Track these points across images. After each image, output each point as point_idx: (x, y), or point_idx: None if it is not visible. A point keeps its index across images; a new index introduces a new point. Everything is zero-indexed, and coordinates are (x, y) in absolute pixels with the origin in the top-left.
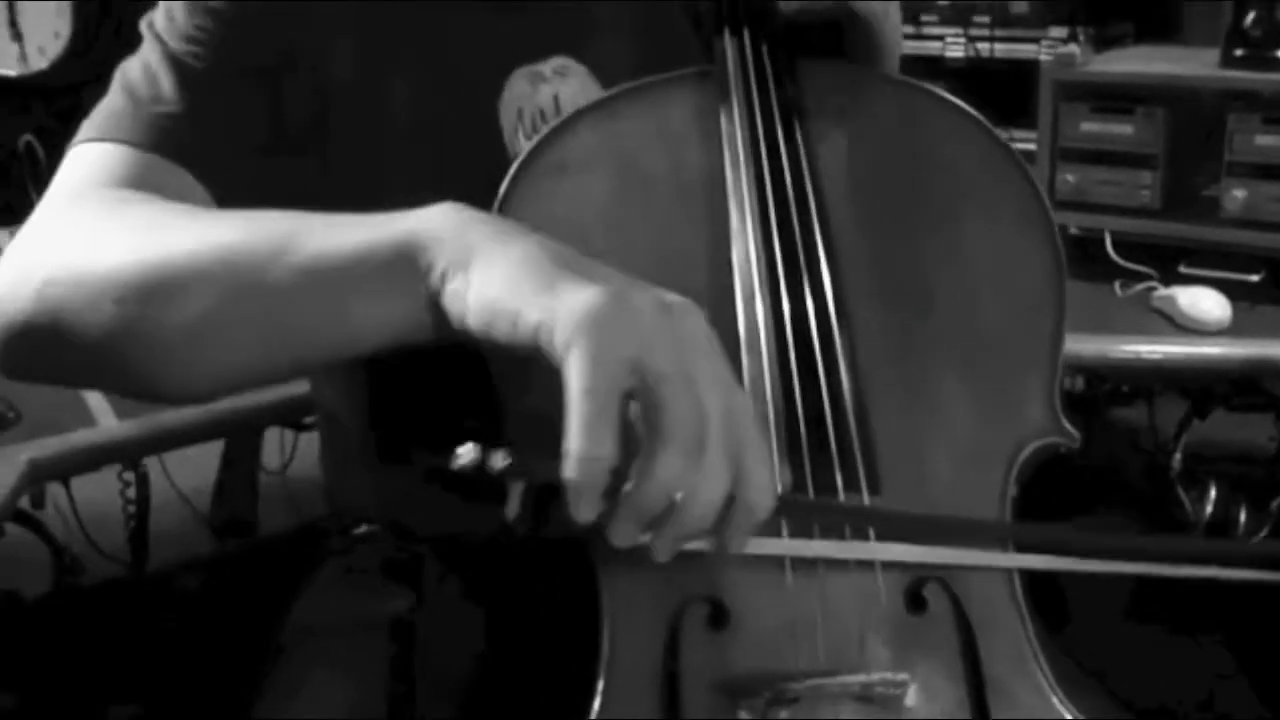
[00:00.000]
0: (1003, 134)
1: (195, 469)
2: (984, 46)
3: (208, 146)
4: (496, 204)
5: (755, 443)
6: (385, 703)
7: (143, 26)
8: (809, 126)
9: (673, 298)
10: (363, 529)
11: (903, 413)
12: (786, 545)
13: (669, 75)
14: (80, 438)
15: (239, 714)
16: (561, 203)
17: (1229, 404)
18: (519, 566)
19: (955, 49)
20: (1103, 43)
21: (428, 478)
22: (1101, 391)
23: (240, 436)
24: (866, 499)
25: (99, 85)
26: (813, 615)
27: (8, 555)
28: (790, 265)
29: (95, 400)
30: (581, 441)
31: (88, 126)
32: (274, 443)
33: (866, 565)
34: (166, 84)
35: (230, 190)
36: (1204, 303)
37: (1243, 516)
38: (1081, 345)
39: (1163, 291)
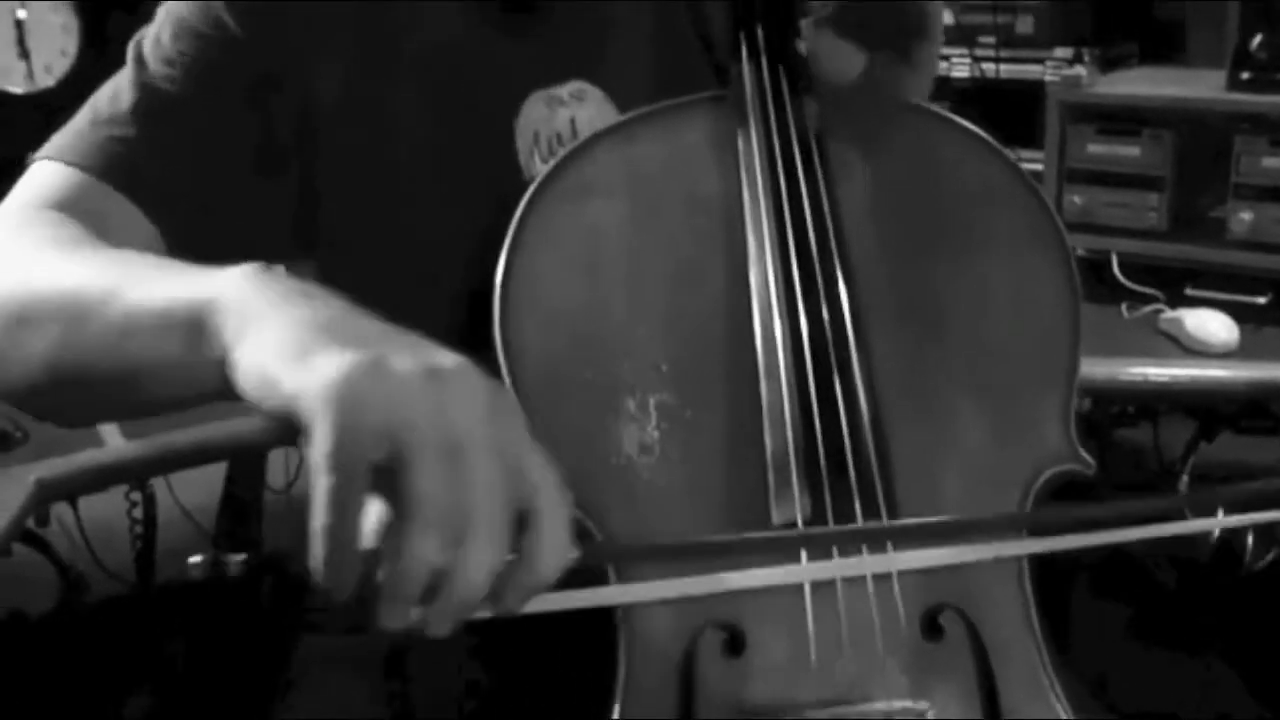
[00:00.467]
0: (1009, 155)
1: (200, 486)
2: (989, 67)
3: (156, 175)
4: (512, 228)
5: (546, 503)
6: None
7: (130, 45)
8: (827, 151)
9: (445, 361)
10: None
11: (921, 440)
12: (792, 572)
13: (685, 99)
14: (88, 458)
15: None
16: (578, 227)
17: (1236, 426)
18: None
19: (960, 69)
20: (1107, 63)
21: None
22: (1108, 413)
23: (245, 456)
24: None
25: None
26: (831, 642)
27: (13, 574)
28: (808, 291)
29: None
30: (320, 518)
31: (49, 142)
32: (279, 461)
33: (885, 591)
34: (127, 108)
35: (178, 220)
36: (1211, 325)
37: (1250, 540)
38: (1089, 368)
39: (1170, 314)
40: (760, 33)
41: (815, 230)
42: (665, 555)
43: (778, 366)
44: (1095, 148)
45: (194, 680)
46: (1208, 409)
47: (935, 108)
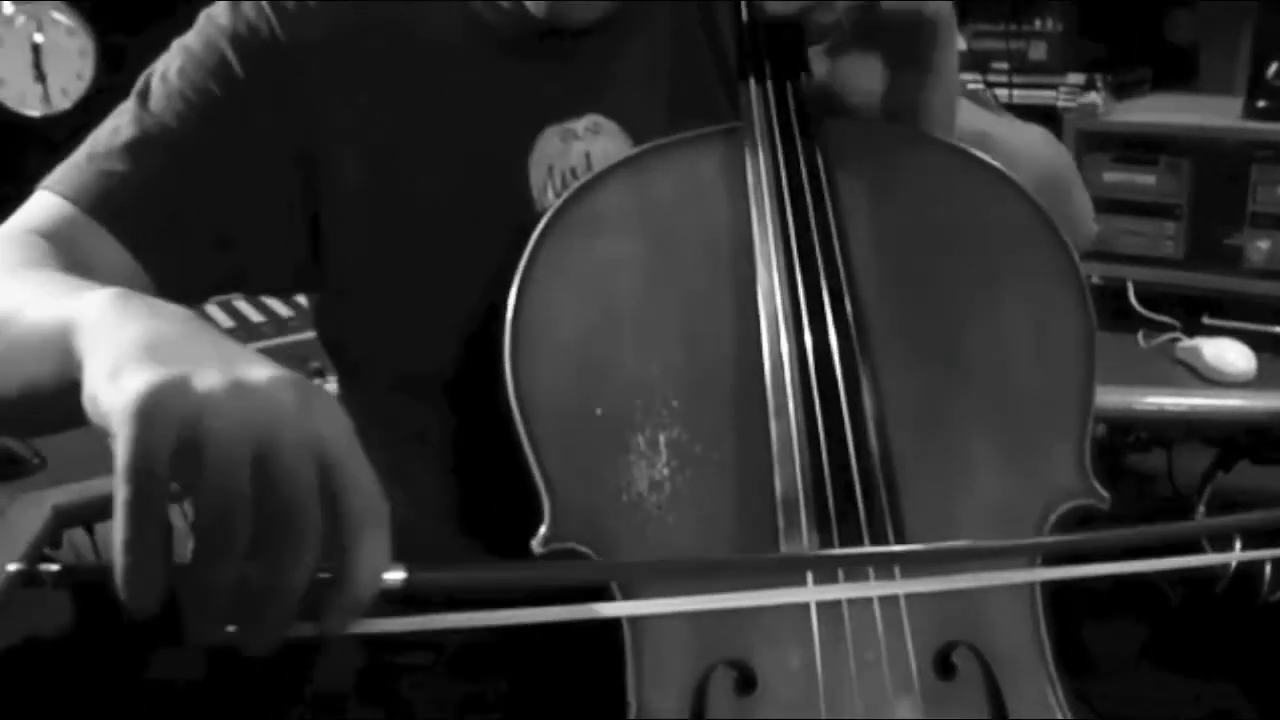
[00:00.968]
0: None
1: None
2: (1002, 93)
3: (142, 212)
4: (523, 262)
5: (360, 517)
6: None
7: (140, 79)
8: (837, 179)
9: (256, 375)
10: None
11: (931, 475)
12: (798, 592)
13: (698, 132)
14: (105, 484)
15: None
16: (588, 261)
17: (1255, 456)
18: (544, 634)
19: None
20: (1121, 89)
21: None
22: (1124, 441)
23: None
24: (898, 572)
25: None
26: (842, 680)
27: (26, 598)
28: (816, 325)
29: None
30: (119, 532)
31: (52, 172)
32: None
33: (894, 623)
34: (122, 144)
35: (162, 257)
36: (1228, 354)
37: (1268, 570)
38: (1105, 397)
39: (1187, 343)
40: (768, 62)
41: (824, 263)
42: (668, 573)
43: (786, 404)
44: (1111, 176)
45: (210, 704)
46: (1225, 438)
47: (948, 139)
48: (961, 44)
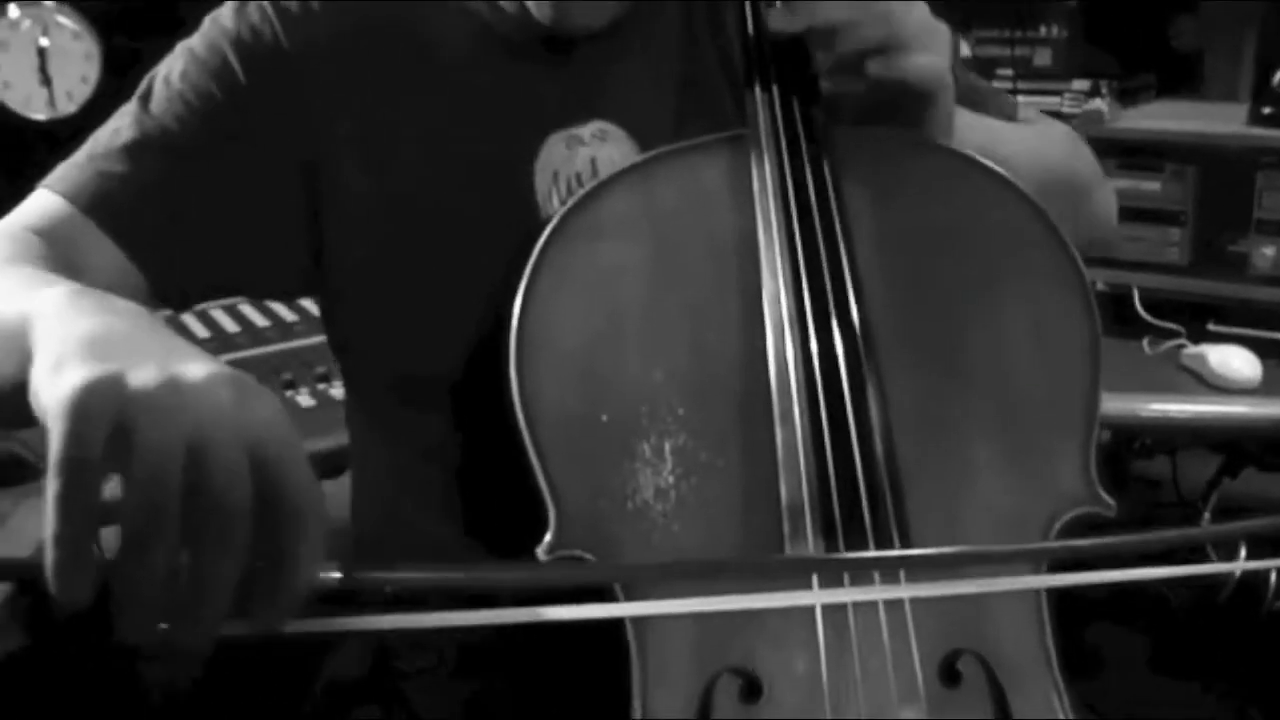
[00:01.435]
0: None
1: None
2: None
3: (136, 213)
4: (528, 269)
5: (295, 511)
6: None
7: (144, 81)
8: (842, 185)
9: (192, 371)
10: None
11: (935, 481)
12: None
13: (704, 139)
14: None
15: None
16: (594, 266)
17: (1261, 463)
18: (549, 639)
19: None
20: (1125, 94)
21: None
22: (1128, 448)
23: None
24: (903, 577)
25: None
26: (847, 687)
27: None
28: (822, 333)
29: None
30: (49, 525)
31: (53, 170)
32: None
33: (900, 629)
34: (121, 145)
35: (156, 257)
36: (1234, 361)
37: (1273, 577)
38: (1111, 404)
39: (1192, 350)
40: (774, 71)
41: (830, 270)
42: (673, 574)
43: (791, 411)
44: (1117, 182)
45: (211, 712)
46: (1231, 444)
47: (955, 146)
48: (966, 50)
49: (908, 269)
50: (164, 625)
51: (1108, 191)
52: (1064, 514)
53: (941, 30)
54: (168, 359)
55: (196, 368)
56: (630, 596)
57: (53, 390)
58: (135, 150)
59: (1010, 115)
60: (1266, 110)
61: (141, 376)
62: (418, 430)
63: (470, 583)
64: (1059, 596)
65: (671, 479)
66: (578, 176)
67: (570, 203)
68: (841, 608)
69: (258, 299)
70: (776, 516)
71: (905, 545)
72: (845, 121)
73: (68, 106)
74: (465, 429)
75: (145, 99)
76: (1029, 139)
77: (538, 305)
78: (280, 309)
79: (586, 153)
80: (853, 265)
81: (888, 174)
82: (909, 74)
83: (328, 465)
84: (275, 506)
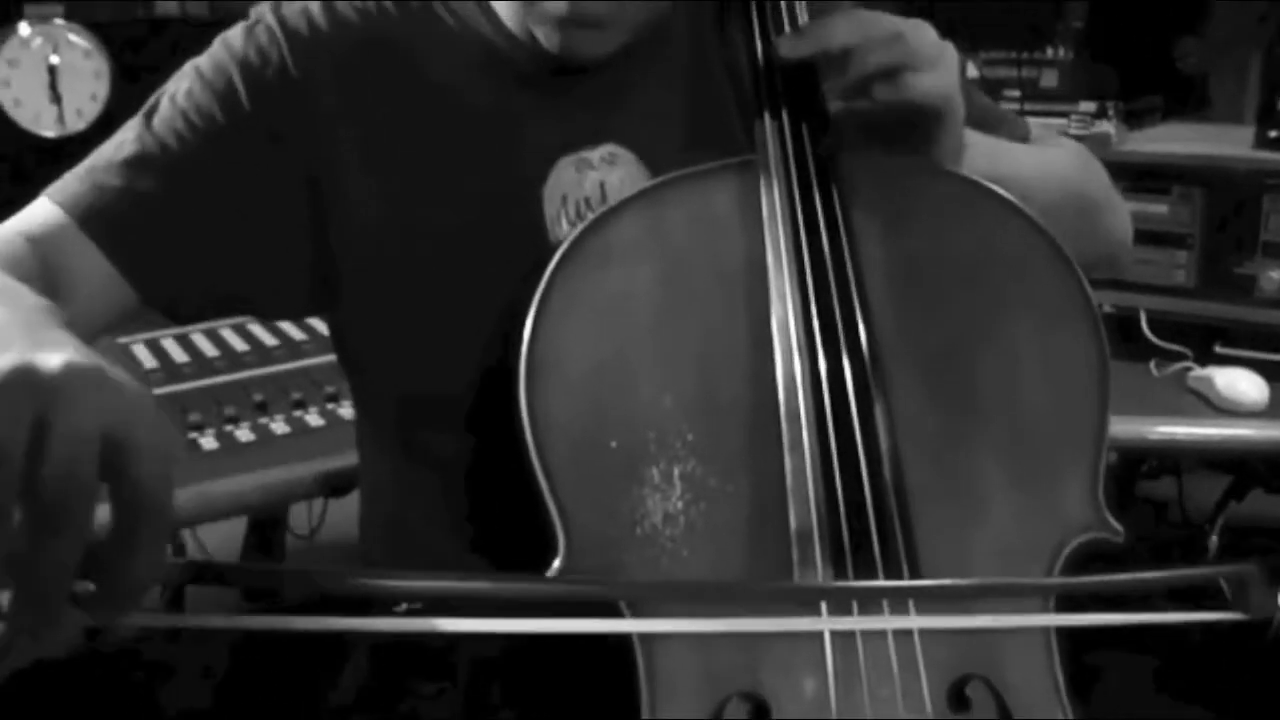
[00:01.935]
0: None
1: (223, 531)
2: None
3: (129, 227)
4: (539, 292)
5: (134, 508)
6: None
7: (153, 96)
8: (851, 212)
9: (47, 360)
10: (402, 607)
11: (944, 508)
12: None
13: (713, 165)
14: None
15: None
16: (604, 292)
17: (1268, 486)
18: (559, 661)
19: None
20: (1132, 116)
21: None
22: (1134, 469)
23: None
24: (912, 606)
25: None
26: (856, 713)
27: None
28: (831, 356)
29: None
30: None
31: (57, 180)
32: (302, 508)
33: (908, 657)
34: (122, 159)
35: (147, 272)
36: (1241, 384)
37: None
38: (1118, 426)
39: (1199, 372)
40: (783, 98)
41: (839, 296)
42: (680, 595)
43: (801, 438)
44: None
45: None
46: (1238, 466)
47: (963, 172)
48: (973, 71)
49: (916, 295)
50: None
51: (1121, 210)
52: (1072, 540)
53: (950, 52)
54: (29, 349)
55: (56, 356)
56: (638, 617)
57: None
58: (134, 165)
59: (1023, 137)
60: (1273, 134)
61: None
62: (426, 450)
63: (478, 592)
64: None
65: (680, 504)
66: (587, 200)
67: (580, 228)
68: (850, 634)
69: (253, 317)
70: (785, 543)
71: (914, 572)
72: (855, 145)
73: (77, 124)
74: (474, 451)
75: (150, 115)
76: (1039, 158)
77: (547, 330)
78: (289, 328)
79: (596, 176)
80: (861, 291)
81: (896, 200)
82: (919, 96)
83: (336, 484)
84: (118, 491)
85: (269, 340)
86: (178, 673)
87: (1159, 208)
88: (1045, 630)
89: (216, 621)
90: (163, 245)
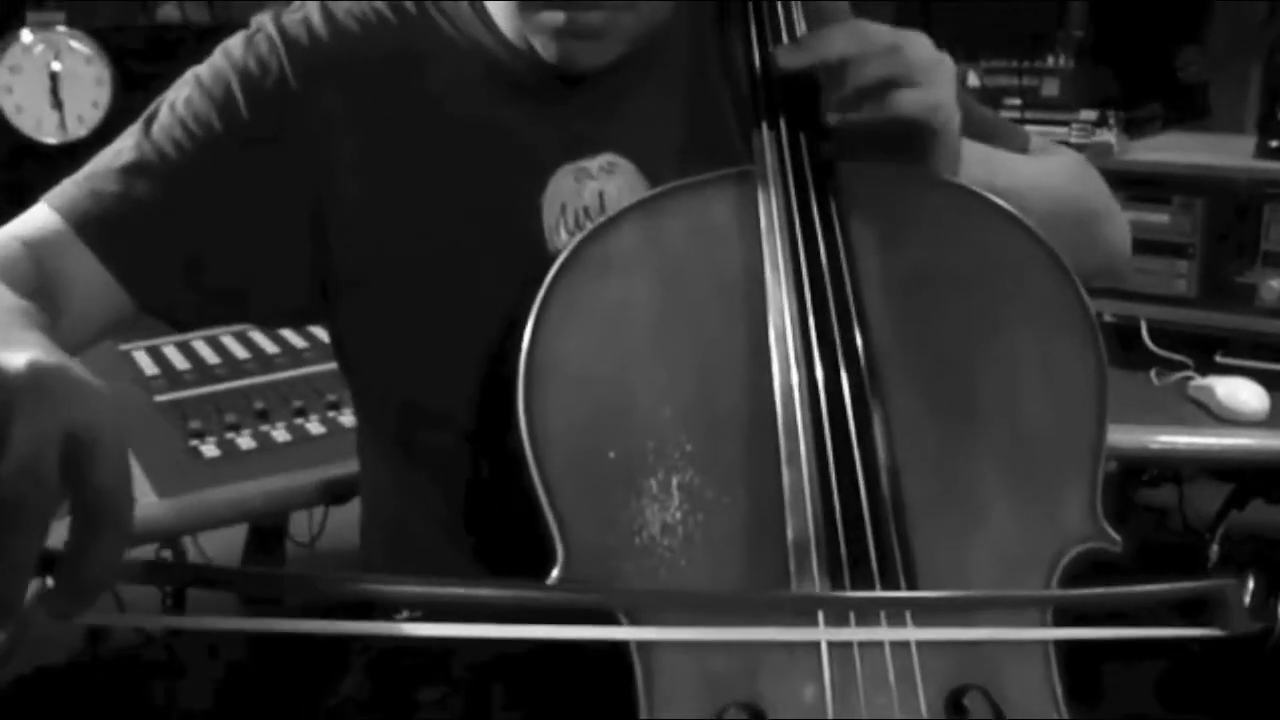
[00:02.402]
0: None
1: (223, 538)
2: None
3: (120, 234)
4: (537, 303)
5: (91, 510)
6: None
7: (153, 103)
8: (849, 223)
9: (15, 361)
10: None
11: (942, 519)
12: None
13: (712, 175)
14: None
15: None
16: (602, 303)
17: (1269, 495)
18: (555, 669)
19: None
20: (1133, 125)
21: None
22: (1138, 479)
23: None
24: (909, 617)
25: None
26: None
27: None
28: (828, 367)
29: (136, 479)
30: None
31: (58, 185)
32: (303, 515)
33: (905, 668)
34: (120, 166)
35: (142, 277)
36: (1242, 394)
37: None
38: (1118, 436)
39: (1200, 381)
40: (781, 109)
41: (836, 308)
42: (677, 603)
43: (798, 449)
44: (1124, 214)
45: None
46: (1239, 475)
47: (963, 183)
48: (974, 80)
49: (913, 305)
50: None
51: (1119, 219)
52: (1070, 550)
53: (946, 63)
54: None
55: (20, 356)
56: (636, 625)
57: None
58: (131, 172)
59: (1023, 147)
60: (1274, 143)
61: None
62: (426, 456)
63: (475, 599)
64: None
65: (679, 515)
66: (585, 210)
67: (579, 238)
68: (847, 645)
69: (248, 324)
70: (783, 554)
71: (910, 584)
72: (852, 156)
73: (79, 130)
74: (473, 458)
75: (149, 123)
76: (1037, 169)
77: (546, 340)
78: (291, 336)
79: (595, 186)
80: (858, 302)
81: (894, 210)
82: (915, 107)
83: (337, 492)
84: (78, 490)
85: (270, 348)
86: (181, 678)
87: (1160, 217)
88: (1044, 641)
89: (210, 623)
90: (158, 252)
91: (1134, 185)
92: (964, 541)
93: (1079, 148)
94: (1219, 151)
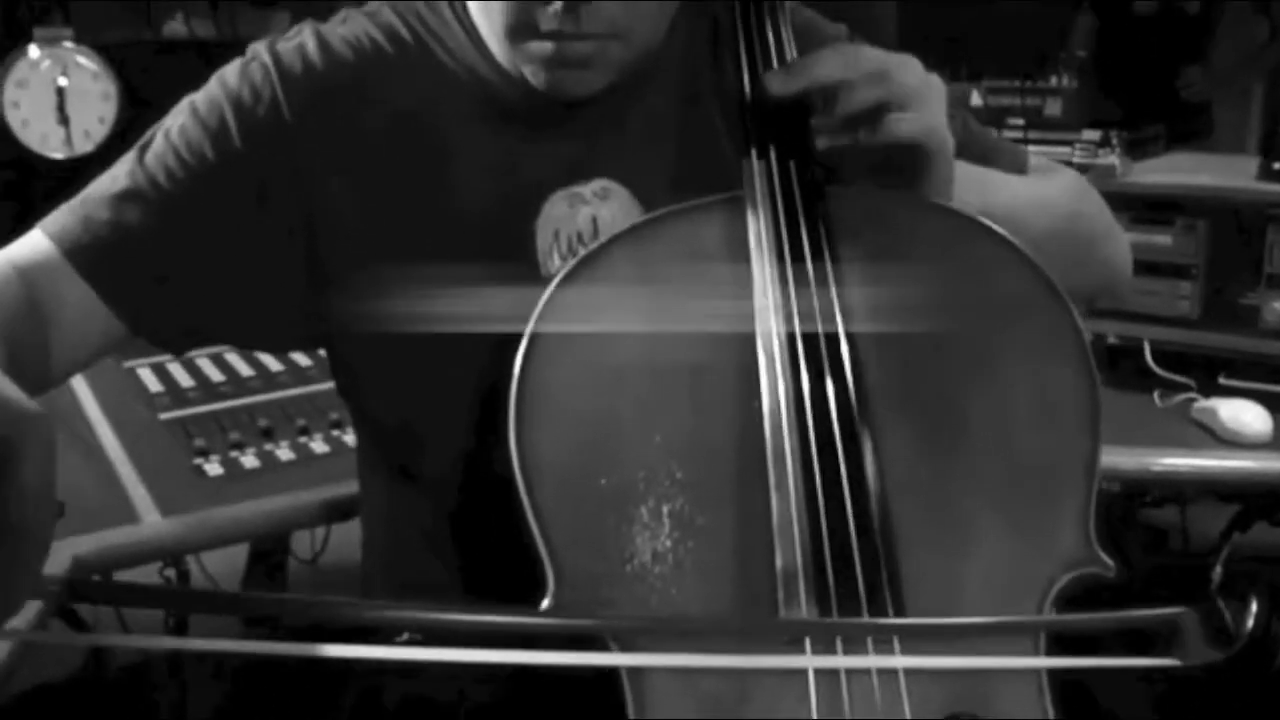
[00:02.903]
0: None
1: (226, 554)
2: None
3: (111, 261)
4: (528, 330)
5: (14, 530)
6: None
7: (149, 130)
8: (838, 248)
9: None
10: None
11: (932, 546)
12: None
13: (702, 201)
14: (124, 534)
15: None
16: (594, 327)
17: (1272, 518)
18: (549, 699)
19: None
20: (1135, 145)
21: None
22: (1141, 501)
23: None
24: (896, 644)
25: None
26: None
27: (36, 645)
28: (817, 395)
29: (140, 497)
30: None
31: (53, 211)
32: (305, 532)
33: (894, 699)
34: (113, 193)
35: (134, 304)
36: (1245, 415)
37: None
38: (1121, 458)
39: (1203, 403)
40: (771, 137)
41: (825, 335)
42: (665, 630)
43: (786, 477)
44: (1128, 236)
45: None
46: (1242, 497)
47: (955, 203)
48: (976, 100)
49: (905, 330)
50: None
51: (1120, 239)
52: (1063, 576)
53: (938, 86)
54: None
55: None
56: (626, 651)
57: None
58: (124, 199)
59: (1021, 167)
60: (1277, 165)
61: None
62: (421, 478)
63: (466, 625)
64: (1061, 642)
65: (669, 543)
66: (578, 235)
67: (569, 265)
68: (835, 673)
69: (242, 350)
70: (771, 582)
71: (899, 611)
72: (844, 180)
73: (85, 146)
74: (468, 483)
75: (144, 150)
76: (1033, 189)
77: (537, 368)
78: (295, 354)
79: (588, 211)
80: (848, 328)
81: (884, 235)
82: (906, 132)
83: (341, 510)
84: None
85: (275, 365)
86: (182, 696)
87: (1163, 239)
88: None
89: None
90: (148, 280)
91: (1137, 207)
92: (955, 568)
93: (1082, 169)
94: (1222, 173)
